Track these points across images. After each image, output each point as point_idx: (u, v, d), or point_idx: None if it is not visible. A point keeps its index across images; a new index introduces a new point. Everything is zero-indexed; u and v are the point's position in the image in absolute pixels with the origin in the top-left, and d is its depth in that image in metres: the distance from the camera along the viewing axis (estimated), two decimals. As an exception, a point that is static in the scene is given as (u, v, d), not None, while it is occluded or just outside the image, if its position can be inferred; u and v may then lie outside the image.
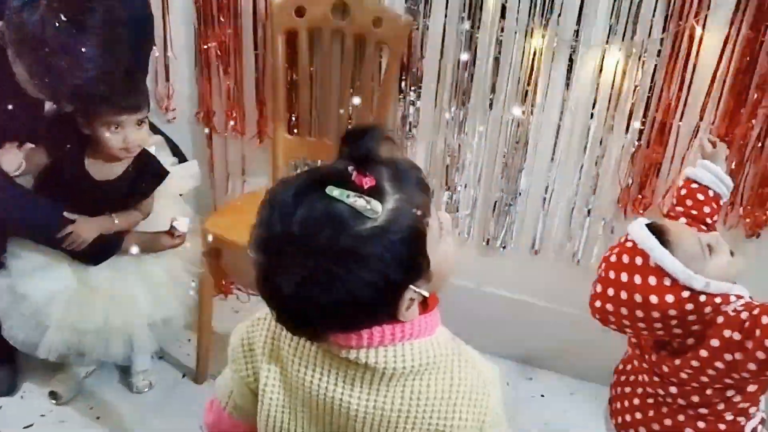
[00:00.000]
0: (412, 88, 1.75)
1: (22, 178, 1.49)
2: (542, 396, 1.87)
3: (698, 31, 1.49)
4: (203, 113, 1.99)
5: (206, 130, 2.00)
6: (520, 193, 1.77)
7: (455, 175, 1.81)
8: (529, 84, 1.65)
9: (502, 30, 1.62)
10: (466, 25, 1.64)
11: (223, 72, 1.91)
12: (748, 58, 1.47)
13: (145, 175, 1.52)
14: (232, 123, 1.96)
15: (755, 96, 1.50)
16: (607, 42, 1.56)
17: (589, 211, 1.74)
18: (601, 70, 1.60)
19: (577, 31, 1.58)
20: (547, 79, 1.64)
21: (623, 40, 1.55)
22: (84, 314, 1.50)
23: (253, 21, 1.84)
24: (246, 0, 1.82)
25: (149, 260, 1.56)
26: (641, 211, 1.68)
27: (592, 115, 1.64)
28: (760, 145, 1.54)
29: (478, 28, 1.64)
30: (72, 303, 1.52)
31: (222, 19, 1.85)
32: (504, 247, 1.84)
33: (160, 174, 1.55)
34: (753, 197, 1.59)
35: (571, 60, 1.61)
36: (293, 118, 1.85)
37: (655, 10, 1.51)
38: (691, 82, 1.54)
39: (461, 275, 1.84)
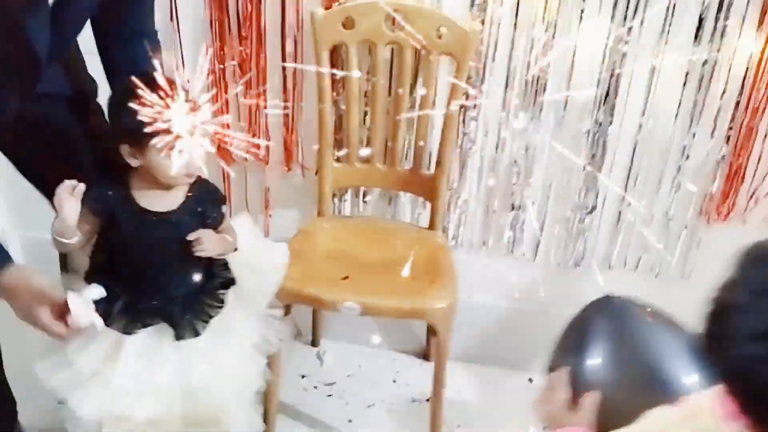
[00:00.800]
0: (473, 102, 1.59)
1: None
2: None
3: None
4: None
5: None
6: (594, 207, 1.65)
7: (522, 192, 1.66)
8: (609, 89, 1.53)
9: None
10: (539, 30, 1.49)
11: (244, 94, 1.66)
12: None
13: (208, 199, 1.25)
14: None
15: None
16: (695, 41, 1.46)
17: (669, 222, 1.64)
18: (687, 74, 1.50)
19: (660, 33, 1.47)
20: (628, 84, 1.52)
21: (711, 41, 1.46)
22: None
23: (281, 35, 1.60)
24: (272, 11, 1.57)
25: (218, 346, 1.30)
26: (724, 219, 1.61)
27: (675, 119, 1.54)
28: None
29: (553, 35, 1.50)
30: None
31: (243, 33, 1.60)
32: (577, 266, 1.72)
33: (222, 198, 1.29)
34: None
35: (652, 64, 1.50)
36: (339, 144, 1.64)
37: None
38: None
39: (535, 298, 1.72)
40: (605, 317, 0.95)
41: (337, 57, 1.56)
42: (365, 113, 1.61)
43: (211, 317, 1.27)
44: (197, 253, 1.22)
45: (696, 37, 1.46)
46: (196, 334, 1.25)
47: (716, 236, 1.63)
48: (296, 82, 1.65)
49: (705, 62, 1.47)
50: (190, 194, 1.23)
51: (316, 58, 1.54)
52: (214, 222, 1.29)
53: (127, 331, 1.23)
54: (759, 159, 1.55)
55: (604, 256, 1.72)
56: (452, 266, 1.49)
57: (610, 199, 1.65)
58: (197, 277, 1.27)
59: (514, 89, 1.56)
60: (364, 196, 1.75)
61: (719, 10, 1.43)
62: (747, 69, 1.47)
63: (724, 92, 1.50)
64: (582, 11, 1.47)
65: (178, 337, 1.25)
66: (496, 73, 1.56)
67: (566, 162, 1.62)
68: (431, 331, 1.85)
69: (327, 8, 1.51)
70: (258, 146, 1.68)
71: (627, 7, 1.45)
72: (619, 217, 1.66)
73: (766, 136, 1.52)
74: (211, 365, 1.28)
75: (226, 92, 1.66)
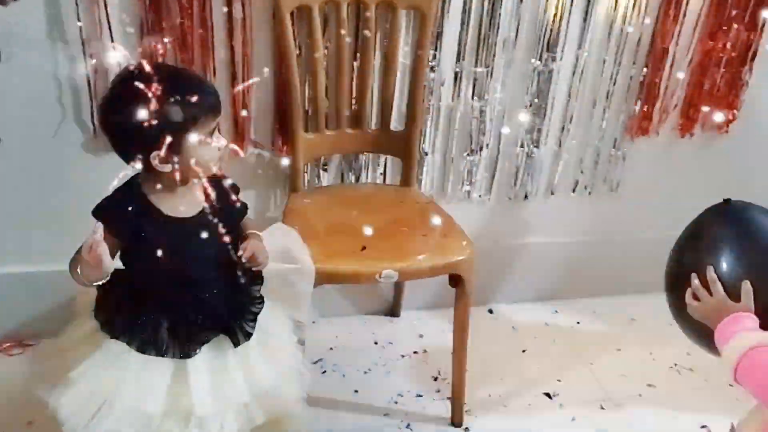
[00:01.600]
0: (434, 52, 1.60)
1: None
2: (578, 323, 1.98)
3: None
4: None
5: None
6: (539, 141, 1.78)
7: (480, 137, 1.73)
8: (551, 32, 1.64)
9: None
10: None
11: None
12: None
13: (223, 192, 1.13)
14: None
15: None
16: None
17: (600, 143, 1.83)
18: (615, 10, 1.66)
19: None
20: (567, 26, 1.65)
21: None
22: None
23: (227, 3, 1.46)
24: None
25: (270, 344, 1.21)
26: (645, 134, 1.84)
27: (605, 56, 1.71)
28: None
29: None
30: None
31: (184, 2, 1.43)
32: (526, 198, 1.85)
33: (234, 185, 1.17)
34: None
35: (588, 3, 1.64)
36: (308, 113, 1.56)
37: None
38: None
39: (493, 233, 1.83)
40: (728, 216, 1.07)
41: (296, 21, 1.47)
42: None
43: (256, 315, 1.18)
44: (255, 268, 1.12)
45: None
46: (249, 335, 1.16)
47: (638, 149, 1.86)
48: (245, 53, 1.52)
49: (627, -3, 1.65)
50: (207, 192, 1.11)
51: (276, 24, 1.45)
52: (241, 215, 1.19)
53: (187, 354, 1.10)
54: (668, 77, 1.78)
55: (546, 186, 1.87)
56: (448, 216, 1.53)
57: (552, 134, 1.79)
58: (239, 280, 1.16)
59: (468, 37, 1.61)
60: (324, 165, 1.70)
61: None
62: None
63: (642, 22, 1.69)
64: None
65: (236, 343, 1.14)
66: (452, 23, 1.59)
67: (516, 103, 1.72)
68: (398, 288, 1.89)
69: (282, -30, 1.41)
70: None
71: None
72: (560, 146, 1.81)
73: (673, 56, 1.76)
74: (272, 364, 1.20)
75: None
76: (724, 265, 0.99)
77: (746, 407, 1.02)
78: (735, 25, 1.71)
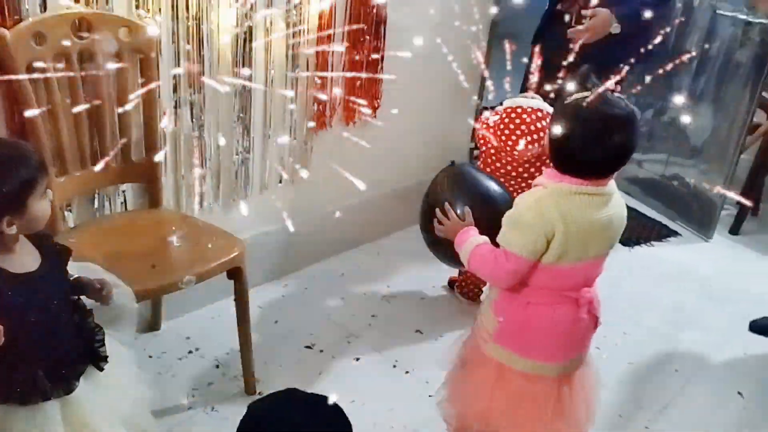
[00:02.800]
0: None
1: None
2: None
3: None
4: None
5: None
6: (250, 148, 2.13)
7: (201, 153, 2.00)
8: (243, 57, 1.99)
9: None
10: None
11: None
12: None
13: (56, 252, 1.26)
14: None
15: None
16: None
17: (293, 140, 2.27)
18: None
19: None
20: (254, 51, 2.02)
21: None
22: None
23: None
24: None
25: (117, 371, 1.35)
26: (323, 128, 2.33)
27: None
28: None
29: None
30: None
31: None
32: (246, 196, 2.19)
33: (65, 248, 1.29)
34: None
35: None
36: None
37: None
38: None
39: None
40: (454, 171, 1.62)
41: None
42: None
43: (103, 341, 1.32)
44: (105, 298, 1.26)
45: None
46: (106, 358, 1.30)
47: (316, 142, 2.35)
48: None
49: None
50: (38, 250, 1.23)
51: (7, 84, 1.51)
52: (68, 256, 1.30)
53: (70, 390, 1.21)
54: (330, 84, 2.30)
55: (260, 182, 2.24)
56: (206, 223, 1.79)
57: (257, 139, 2.15)
58: (81, 314, 1.28)
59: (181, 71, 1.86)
60: (68, 205, 1.77)
61: None
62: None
63: (306, 42, 2.15)
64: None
65: (101, 368, 1.28)
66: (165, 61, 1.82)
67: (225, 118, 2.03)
68: (155, 304, 2.06)
69: (11, 27, 1.48)
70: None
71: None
72: (265, 149, 2.19)
73: (332, 67, 2.27)
74: (129, 389, 1.36)
75: None
76: (453, 201, 1.53)
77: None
78: (368, 37, 2.30)
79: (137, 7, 1.71)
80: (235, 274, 1.72)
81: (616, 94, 1.41)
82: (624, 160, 1.34)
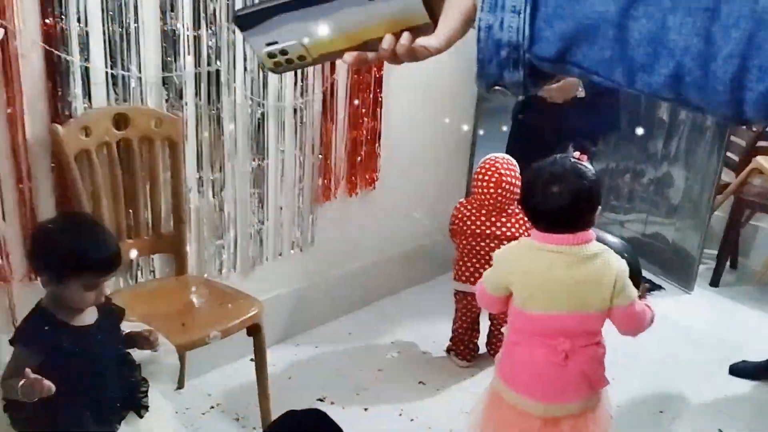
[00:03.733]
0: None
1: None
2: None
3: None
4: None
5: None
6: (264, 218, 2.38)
7: (222, 226, 2.24)
8: (258, 139, 2.26)
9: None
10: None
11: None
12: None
13: (112, 310, 1.48)
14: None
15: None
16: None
17: (299, 210, 2.51)
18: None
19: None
20: (267, 131, 2.29)
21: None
22: None
23: (12, 153, 1.71)
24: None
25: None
26: (326, 200, 2.57)
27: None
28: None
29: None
30: None
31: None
32: (261, 262, 2.41)
33: (120, 309, 1.51)
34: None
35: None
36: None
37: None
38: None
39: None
40: None
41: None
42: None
43: (146, 392, 1.52)
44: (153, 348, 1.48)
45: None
46: (147, 407, 1.50)
47: (323, 213, 2.60)
48: (31, 195, 1.77)
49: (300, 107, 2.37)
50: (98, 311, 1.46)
51: (59, 169, 1.76)
52: (122, 315, 1.52)
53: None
54: (335, 158, 2.56)
55: (274, 249, 2.47)
56: (228, 285, 2.02)
57: (272, 210, 2.40)
58: (129, 366, 1.49)
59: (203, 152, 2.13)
60: (105, 274, 1.99)
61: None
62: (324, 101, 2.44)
63: (313, 124, 2.43)
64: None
65: (142, 415, 1.47)
66: (189, 145, 2.09)
67: (244, 194, 2.28)
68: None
69: (63, 123, 1.74)
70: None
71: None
72: (278, 219, 2.43)
73: (336, 146, 2.54)
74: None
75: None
76: None
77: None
78: (366, 119, 2.59)
79: (167, 101, 1.99)
80: (254, 330, 1.92)
81: (585, 162, 1.66)
82: (561, 214, 1.51)
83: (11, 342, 1.30)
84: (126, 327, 1.59)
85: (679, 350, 2.74)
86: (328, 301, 2.72)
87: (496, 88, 0.60)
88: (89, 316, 1.41)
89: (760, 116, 0.49)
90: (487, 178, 2.36)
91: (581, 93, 2.60)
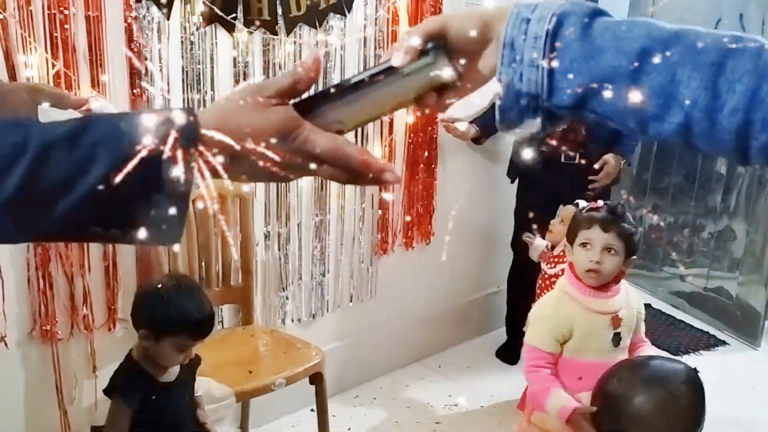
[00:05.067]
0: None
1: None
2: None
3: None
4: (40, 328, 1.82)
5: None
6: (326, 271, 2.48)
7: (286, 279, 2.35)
8: (320, 197, 2.38)
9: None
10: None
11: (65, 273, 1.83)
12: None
13: (191, 363, 1.58)
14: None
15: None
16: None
17: (361, 263, 2.61)
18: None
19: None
20: (329, 189, 2.41)
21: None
22: None
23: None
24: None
25: None
26: (385, 253, 2.66)
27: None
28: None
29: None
30: None
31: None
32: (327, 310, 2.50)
33: (197, 357, 1.61)
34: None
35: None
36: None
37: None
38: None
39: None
40: None
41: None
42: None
43: None
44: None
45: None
46: None
47: (382, 266, 2.68)
48: (114, 249, 1.92)
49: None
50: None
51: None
52: (199, 363, 1.62)
53: None
54: (393, 211, 2.66)
55: (333, 301, 2.55)
56: (290, 335, 2.10)
57: (332, 263, 2.50)
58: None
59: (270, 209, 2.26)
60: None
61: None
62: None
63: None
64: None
65: None
66: (259, 200, 2.22)
67: (306, 250, 2.39)
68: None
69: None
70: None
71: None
72: (338, 270, 2.53)
73: (393, 202, 2.64)
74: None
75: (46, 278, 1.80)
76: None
77: None
78: (423, 175, 2.69)
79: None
80: (317, 379, 1.99)
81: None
82: None
83: (106, 393, 1.42)
84: (198, 385, 1.68)
85: (746, 410, 2.66)
86: (386, 353, 2.76)
87: (517, 130, 0.65)
88: (173, 372, 1.52)
89: (765, 161, 0.55)
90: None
91: (626, 165, 2.64)
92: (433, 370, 2.87)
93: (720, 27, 3.32)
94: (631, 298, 1.79)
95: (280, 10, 2.09)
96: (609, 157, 2.57)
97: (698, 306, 3.48)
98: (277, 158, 0.59)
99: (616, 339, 1.71)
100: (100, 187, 0.54)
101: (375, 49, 2.38)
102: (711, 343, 3.22)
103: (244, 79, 2.07)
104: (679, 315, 3.47)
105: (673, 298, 3.58)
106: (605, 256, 1.69)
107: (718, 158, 3.35)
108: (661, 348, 3.11)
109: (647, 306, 3.49)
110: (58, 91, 1.03)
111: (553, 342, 1.71)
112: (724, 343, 3.22)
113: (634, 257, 1.76)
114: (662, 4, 3.59)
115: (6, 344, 1.78)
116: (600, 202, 1.78)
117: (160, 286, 1.49)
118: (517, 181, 2.85)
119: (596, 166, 2.56)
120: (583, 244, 1.71)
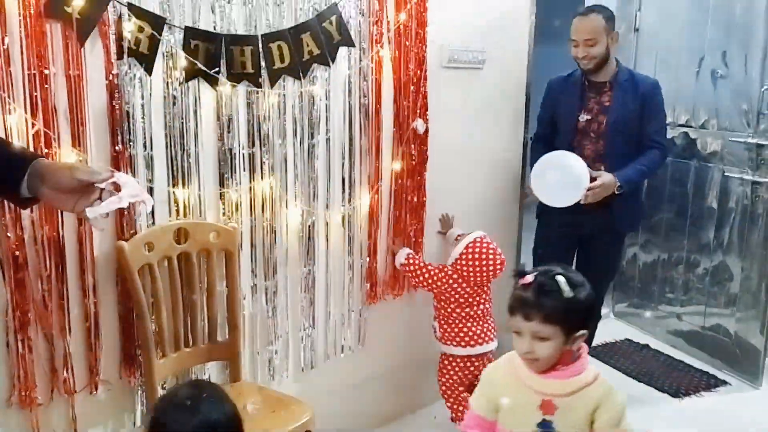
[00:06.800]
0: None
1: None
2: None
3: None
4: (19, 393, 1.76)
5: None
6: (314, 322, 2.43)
7: (273, 334, 2.30)
8: (311, 250, 2.35)
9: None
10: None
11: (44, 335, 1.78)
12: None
13: None
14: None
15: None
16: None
17: (350, 312, 2.56)
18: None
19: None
20: (328, 241, 2.38)
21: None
22: None
23: (80, 270, 1.83)
24: (69, 249, 1.80)
25: None
26: (374, 302, 2.61)
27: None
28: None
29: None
30: None
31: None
32: (312, 367, 2.44)
33: None
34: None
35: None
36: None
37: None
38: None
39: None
40: None
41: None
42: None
43: None
44: None
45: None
46: None
47: (372, 312, 2.63)
48: (96, 310, 1.87)
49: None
50: None
51: (124, 282, 1.86)
52: None
53: None
54: (386, 263, 2.62)
55: (324, 353, 2.50)
56: (279, 392, 2.05)
57: (320, 315, 2.45)
58: None
59: (257, 261, 2.22)
60: (164, 384, 2.05)
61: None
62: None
63: (361, 246, 2.51)
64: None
65: None
66: (245, 254, 2.18)
67: (296, 305, 2.35)
68: None
69: (128, 239, 1.86)
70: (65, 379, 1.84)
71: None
72: (325, 322, 2.48)
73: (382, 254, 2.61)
74: None
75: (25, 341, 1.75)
76: None
77: None
78: (409, 221, 2.66)
79: (224, 215, 2.10)
80: (309, 435, 1.93)
81: None
82: None
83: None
84: None
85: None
86: (378, 404, 2.70)
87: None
88: None
89: None
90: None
91: (619, 189, 2.64)
92: (427, 419, 2.79)
93: (703, 64, 3.35)
94: (591, 392, 1.51)
95: (263, 63, 2.09)
96: (606, 174, 2.64)
97: (697, 345, 3.43)
98: None
99: (544, 427, 1.53)
100: None
101: (360, 97, 2.38)
102: (711, 383, 3.16)
103: (228, 132, 2.06)
104: (678, 355, 3.41)
105: (671, 338, 3.53)
106: (536, 344, 1.50)
107: (709, 193, 3.35)
108: (661, 390, 3.07)
109: (645, 346, 3.47)
110: (90, 169, 1.34)
111: (487, 405, 1.63)
112: (724, 383, 3.16)
113: (583, 332, 1.52)
114: (646, 46, 3.62)
115: (-17, 412, 1.73)
116: (529, 278, 1.52)
117: (175, 399, 1.42)
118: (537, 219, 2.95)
119: (593, 174, 2.62)
120: (516, 331, 1.54)
